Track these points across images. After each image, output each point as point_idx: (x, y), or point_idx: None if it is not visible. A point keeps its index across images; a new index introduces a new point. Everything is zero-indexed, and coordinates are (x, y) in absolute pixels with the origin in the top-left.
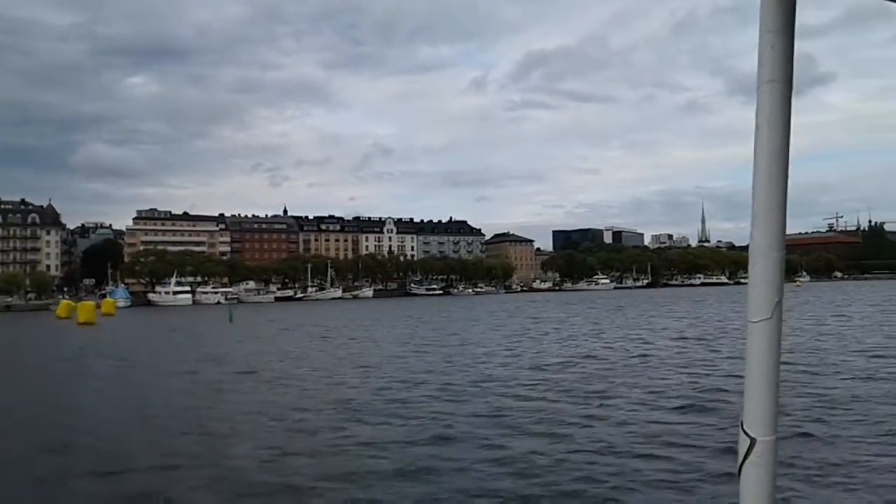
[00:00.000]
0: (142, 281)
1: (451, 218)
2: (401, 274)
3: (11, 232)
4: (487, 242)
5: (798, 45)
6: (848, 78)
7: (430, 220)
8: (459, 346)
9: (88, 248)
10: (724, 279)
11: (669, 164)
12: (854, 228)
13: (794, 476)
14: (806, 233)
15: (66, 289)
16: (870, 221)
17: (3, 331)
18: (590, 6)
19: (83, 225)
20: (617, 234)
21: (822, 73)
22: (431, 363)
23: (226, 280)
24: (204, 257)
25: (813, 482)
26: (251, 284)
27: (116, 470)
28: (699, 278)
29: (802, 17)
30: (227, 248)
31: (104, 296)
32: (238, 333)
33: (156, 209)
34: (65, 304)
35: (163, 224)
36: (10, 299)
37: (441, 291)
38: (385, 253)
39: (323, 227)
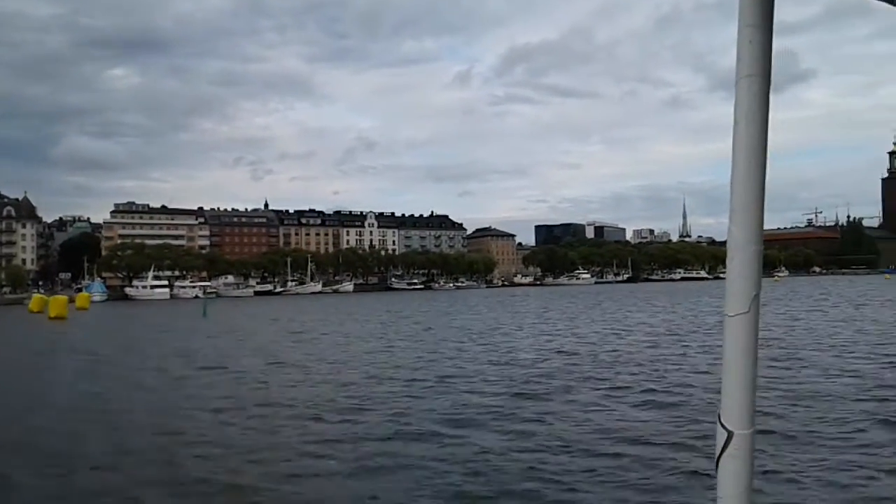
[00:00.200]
0: (119, 275)
1: (432, 212)
2: (382, 268)
3: None
4: (469, 237)
5: (779, 42)
6: (828, 74)
7: (412, 215)
8: (432, 341)
9: (65, 241)
10: (703, 274)
11: (652, 160)
12: (833, 224)
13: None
14: (785, 228)
15: (41, 283)
16: (848, 217)
17: None
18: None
19: (61, 218)
20: (599, 229)
21: (802, 69)
22: (401, 359)
23: (204, 274)
24: (182, 251)
25: (768, 478)
26: (230, 279)
27: (60, 466)
28: (679, 273)
29: (783, 13)
30: (206, 242)
31: (80, 290)
32: (211, 328)
33: (133, 202)
34: (37, 298)
35: (141, 217)
36: None
37: (422, 286)
38: (366, 247)
39: (304, 221)
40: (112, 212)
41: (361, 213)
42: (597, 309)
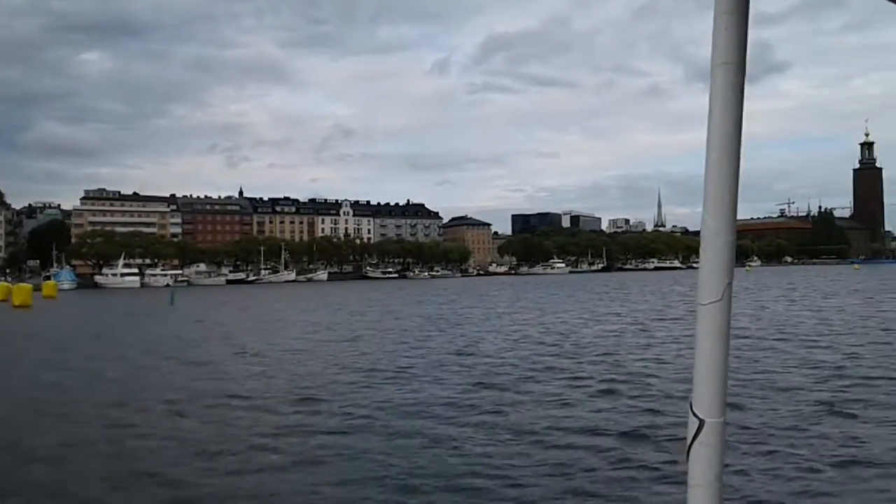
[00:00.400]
0: (89, 263)
1: (408, 201)
2: (357, 257)
3: None
4: (445, 226)
5: (756, 33)
6: (803, 66)
7: (388, 203)
8: (399, 330)
9: (34, 228)
10: (677, 264)
11: (629, 150)
12: (805, 214)
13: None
14: (758, 218)
15: (8, 271)
16: (820, 208)
17: None
18: None
19: (30, 205)
20: (575, 219)
21: (778, 60)
22: (365, 348)
23: (176, 262)
24: (154, 239)
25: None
26: (202, 267)
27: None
28: (653, 263)
29: (761, 4)
30: (178, 230)
31: (48, 278)
32: (178, 317)
33: (104, 189)
34: (1, 286)
35: (111, 204)
36: None
37: (397, 275)
38: (341, 235)
39: (278, 208)
40: (82, 198)
41: (337, 201)
42: (567, 298)
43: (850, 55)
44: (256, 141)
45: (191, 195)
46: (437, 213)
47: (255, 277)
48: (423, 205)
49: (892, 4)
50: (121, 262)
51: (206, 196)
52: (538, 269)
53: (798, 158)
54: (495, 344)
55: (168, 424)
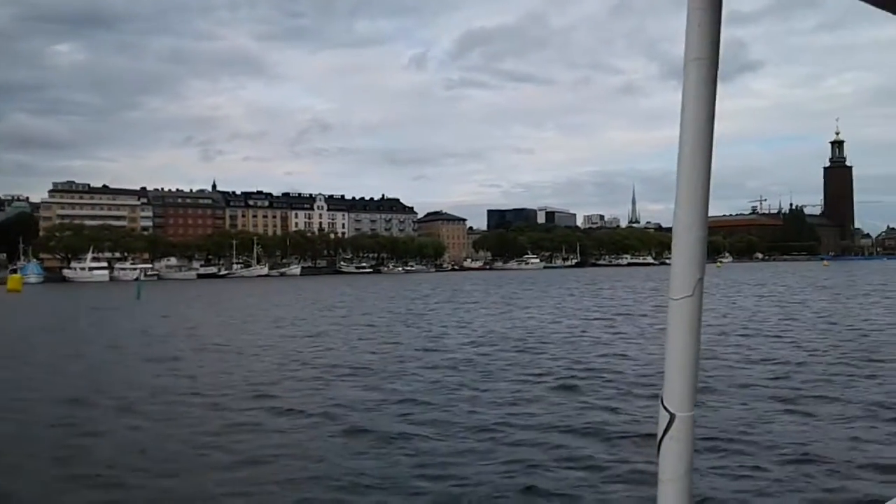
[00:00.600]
0: (57, 256)
1: (383, 195)
2: (331, 252)
3: None
4: (420, 221)
5: (730, 31)
6: (776, 65)
7: (362, 198)
8: (364, 324)
9: (1, 222)
10: (650, 259)
11: (604, 146)
12: (776, 211)
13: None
14: (731, 215)
15: None
16: (791, 205)
17: None
18: None
19: None
20: (550, 215)
21: (752, 59)
22: (328, 344)
23: (147, 256)
24: (123, 232)
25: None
26: (172, 261)
27: None
28: (626, 258)
29: (735, 2)
30: (149, 224)
31: (15, 272)
32: (143, 312)
33: (73, 182)
34: None
35: (81, 197)
36: None
37: (371, 270)
38: (315, 230)
39: (251, 202)
40: (51, 191)
41: (311, 195)
42: (540, 294)
43: (822, 55)
44: (232, 134)
45: (162, 188)
46: (411, 209)
47: (226, 272)
48: (398, 200)
49: (864, 4)
50: (89, 255)
51: (177, 189)
52: (512, 264)
53: (770, 156)
54: (460, 340)
55: (116, 422)
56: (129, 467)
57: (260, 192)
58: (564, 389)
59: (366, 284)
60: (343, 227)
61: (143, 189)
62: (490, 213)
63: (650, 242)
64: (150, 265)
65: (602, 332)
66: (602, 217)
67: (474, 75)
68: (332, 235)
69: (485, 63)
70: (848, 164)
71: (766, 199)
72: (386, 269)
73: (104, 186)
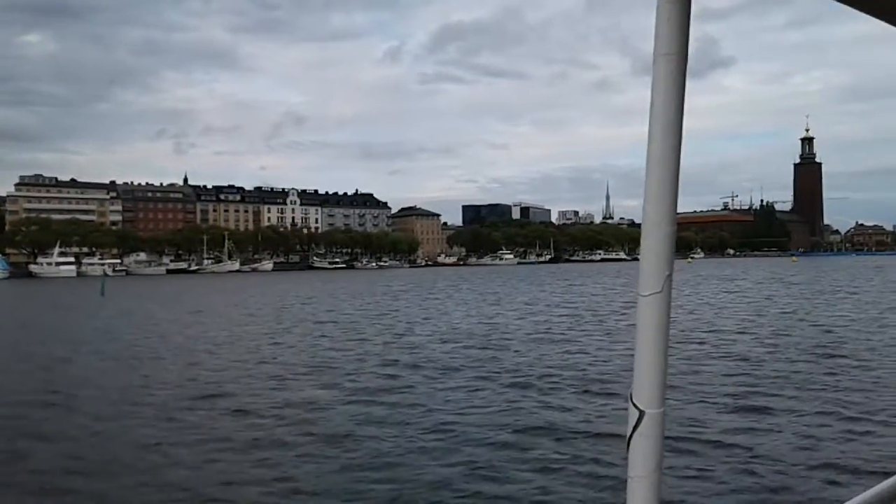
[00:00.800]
0: (24, 251)
1: (357, 190)
2: (304, 247)
3: None
4: (394, 216)
5: (702, 28)
6: (747, 61)
7: (336, 192)
8: (328, 320)
9: None
10: (623, 255)
11: (579, 142)
12: (747, 207)
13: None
14: (702, 211)
15: None
16: (762, 201)
17: None
18: None
19: None
20: (525, 210)
21: (724, 56)
22: (288, 342)
23: (116, 251)
24: (92, 227)
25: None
26: (142, 256)
27: None
28: (599, 254)
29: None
30: (118, 218)
31: None
32: (105, 308)
33: (41, 175)
34: None
35: (48, 191)
36: None
37: (344, 265)
38: (288, 225)
39: (223, 197)
40: (17, 184)
41: (283, 189)
42: (511, 290)
43: (792, 52)
44: (205, 127)
45: (132, 182)
46: (385, 203)
47: (197, 267)
48: (371, 194)
49: (835, 2)
50: (56, 250)
51: (147, 183)
52: (486, 260)
53: (742, 152)
54: (423, 337)
55: (58, 423)
56: (66, 470)
57: (232, 187)
58: (524, 387)
59: (338, 280)
60: (316, 221)
61: (113, 183)
62: (465, 208)
63: (624, 238)
64: (118, 260)
65: (569, 329)
66: (577, 213)
67: (450, 70)
68: (305, 230)
69: (460, 57)
70: (818, 160)
71: (737, 196)
72: (359, 264)
73: (72, 180)
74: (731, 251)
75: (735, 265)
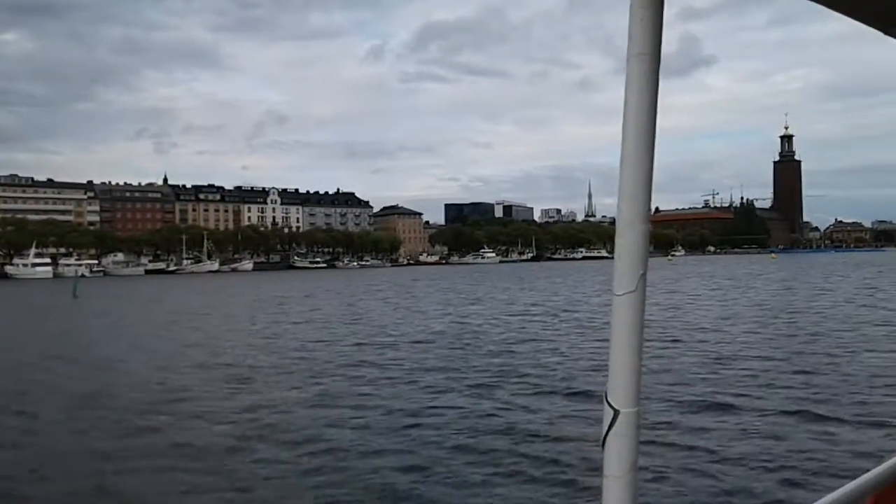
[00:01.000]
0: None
1: (338, 189)
2: (284, 246)
3: None
4: (376, 215)
5: (684, 27)
6: (729, 60)
7: (317, 192)
8: (303, 321)
9: None
10: (604, 253)
11: (561, 140)
12: (728, 205)
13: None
14: (683, 209)
15: None
16: (742, 198)
17: None
18: None
19: None
20: (507, 209)
21: (705, 54)
22: (256, 343)
23: (93, 252)
24: (69, 227)
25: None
26: (119, 256)
27: None
28: (581, 252)
29: None
30: (96, 218)
31: None
32: (78, 310)
33: (16, 175)
34: None
35: (24, 191)
36: None
37: (325, 265)
38: (268, 224)
39: (202, 196)
40: None
41: (264, 188)
42: (491, 288)
43: (772, 51)
44: (186, 127)
45: (109, 182)
46: (367, 202)
47: (175, 267)
48: (353, 193)
49: (814, 3)
50: (32, 251)
51: (125, 183)
52: (469, 258)
53: (723, 150)
54: (397, 337)
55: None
56: (13, 479)
57: (211, 186)
58: (495, 388)
59: (318, 279)
60: (297, 221)
61: (90, 183)
62: (447, 207)
63: (605, 236)
64: (96, 261)
65: (543, 329)
66: (559, 211)
67: (432, 68)
68: (285, 230)
69: (442, 56)
70: (797, 158)
71: (718, 193)
72: (341, 263)
73: (49, 180)
74: (712, 249)
75: (715, 262)
